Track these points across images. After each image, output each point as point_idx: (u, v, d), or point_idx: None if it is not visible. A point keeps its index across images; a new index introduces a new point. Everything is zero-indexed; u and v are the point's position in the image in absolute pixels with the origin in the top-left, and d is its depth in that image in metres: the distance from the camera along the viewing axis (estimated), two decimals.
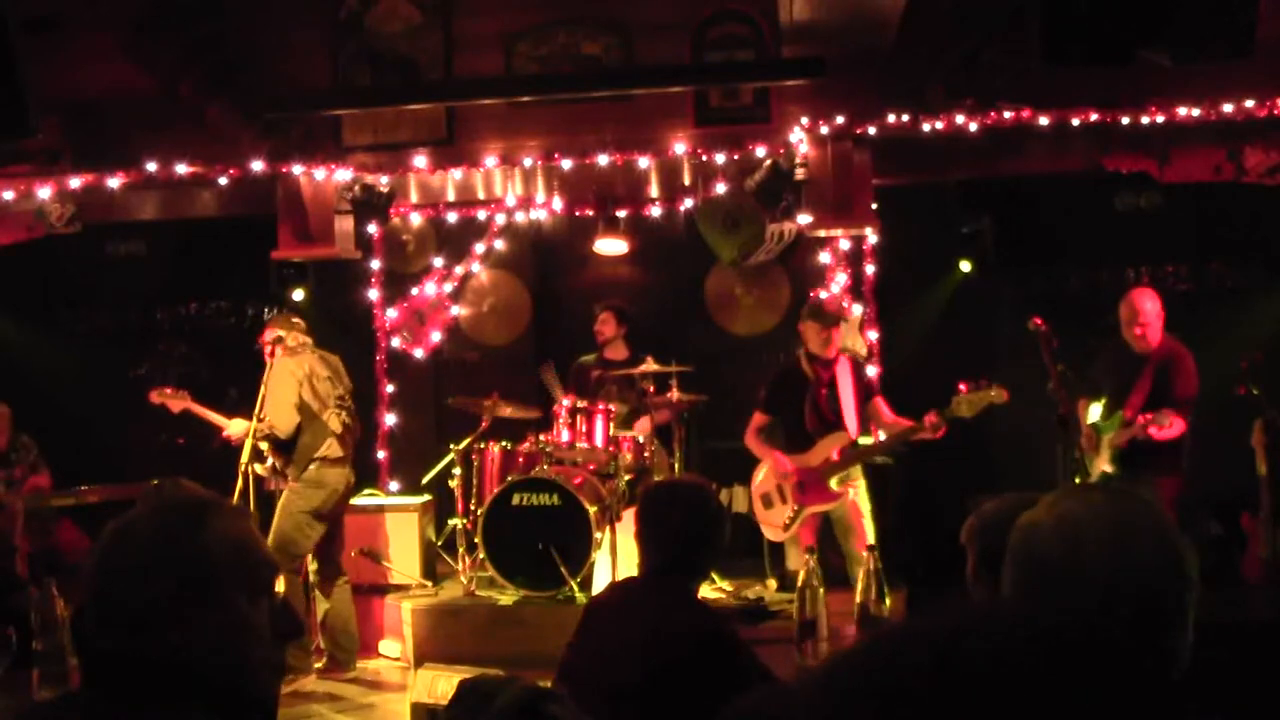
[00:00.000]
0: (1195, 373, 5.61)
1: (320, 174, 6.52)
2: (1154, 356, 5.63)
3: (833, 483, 5.81)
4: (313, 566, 5.92)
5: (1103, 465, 5.61)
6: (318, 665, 5.83)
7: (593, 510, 5.98)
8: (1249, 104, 5.98)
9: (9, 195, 6.68)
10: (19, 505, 6.43)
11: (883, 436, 6.02)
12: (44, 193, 6.65)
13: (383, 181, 6.68)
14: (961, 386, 5.52)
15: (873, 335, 6.95)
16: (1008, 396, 5.51)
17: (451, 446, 6.50)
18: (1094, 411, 5.78)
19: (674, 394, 6.40)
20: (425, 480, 7.01)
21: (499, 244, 7.53)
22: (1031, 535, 1.55)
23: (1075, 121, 6.07)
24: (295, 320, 5.91)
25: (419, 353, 7.56)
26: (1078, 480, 5.45)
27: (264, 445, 5.62)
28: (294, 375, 5.67)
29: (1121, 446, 5.55)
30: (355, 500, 6.83)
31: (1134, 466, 5.51)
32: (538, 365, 7.66)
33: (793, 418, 5.98)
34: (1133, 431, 5.48)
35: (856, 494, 5.87)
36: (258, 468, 5.64)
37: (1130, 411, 5.56)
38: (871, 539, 5.68)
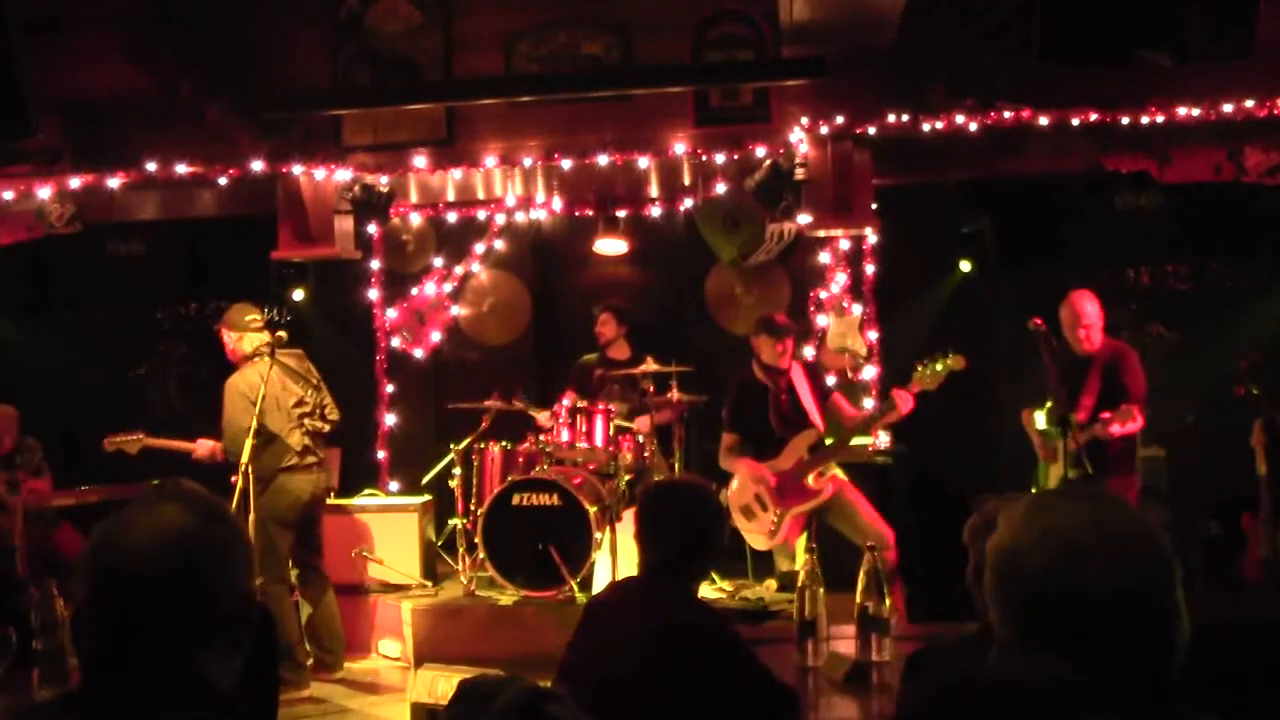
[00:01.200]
0: (1142, 369, 5.60)
1: (320, 174, 6.52)
2: (1098, 358, 5.61)
3: (810, 480, 5.81)
4: (293, 573, 5.80)
5: (1062, 470, 5.54)
6: (309, 661, 5.80)
7: (593, 510, 5.98)
8: (1249, 104, 5.97)
9: (9, 195, 6.67)
10: (18, 505, 6.43)
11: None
12: (44, 193, 6.65)
13: (383, 181, 6.68)
14: (916, 364, 5.57)
15: (873, 335, 6.95)
16: (965, 363, 5.53)
17: (451, 446, 6.51)
18: (1039, 419, 5.75)
19: (674, 394, 6.41)
20: (425, 480, 7.01)
21: (499, 244, 7.53)
22: (1019, 561, 1.50)
23: (1075, 121, 6.07)
24: (251, 318, 5.73)
25: (419, 353, 7.56)
26: (1034, 489, 5.44)
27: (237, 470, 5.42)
28: (246, 396, 5.49)
29: (1078, 449, 5.48)
30: (355, 500, 6.84)
31: (1093, 468, 5.46)
32: (537, 367, 7.67)
33: (758, 427, 6.01)
34: (1093, 432, 5.43)
35: (837, 481, 5.87)
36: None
37: (1083, 414, 5.50)
38: (870, 508, 5.71)
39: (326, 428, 5.88)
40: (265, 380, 5.49)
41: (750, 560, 6.32)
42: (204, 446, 5.79)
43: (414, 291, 7.53)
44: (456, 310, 7.73)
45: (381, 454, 7.47)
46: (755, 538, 6.03)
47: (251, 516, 5.37)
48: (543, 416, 6.56)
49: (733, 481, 6.05)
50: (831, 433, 5.97)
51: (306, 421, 5.75)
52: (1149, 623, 1.44)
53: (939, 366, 5.53)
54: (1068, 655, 1.42)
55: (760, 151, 6.36)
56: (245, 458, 5.37)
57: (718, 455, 6.22)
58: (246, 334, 5.72)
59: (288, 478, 5.64)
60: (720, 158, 6.52)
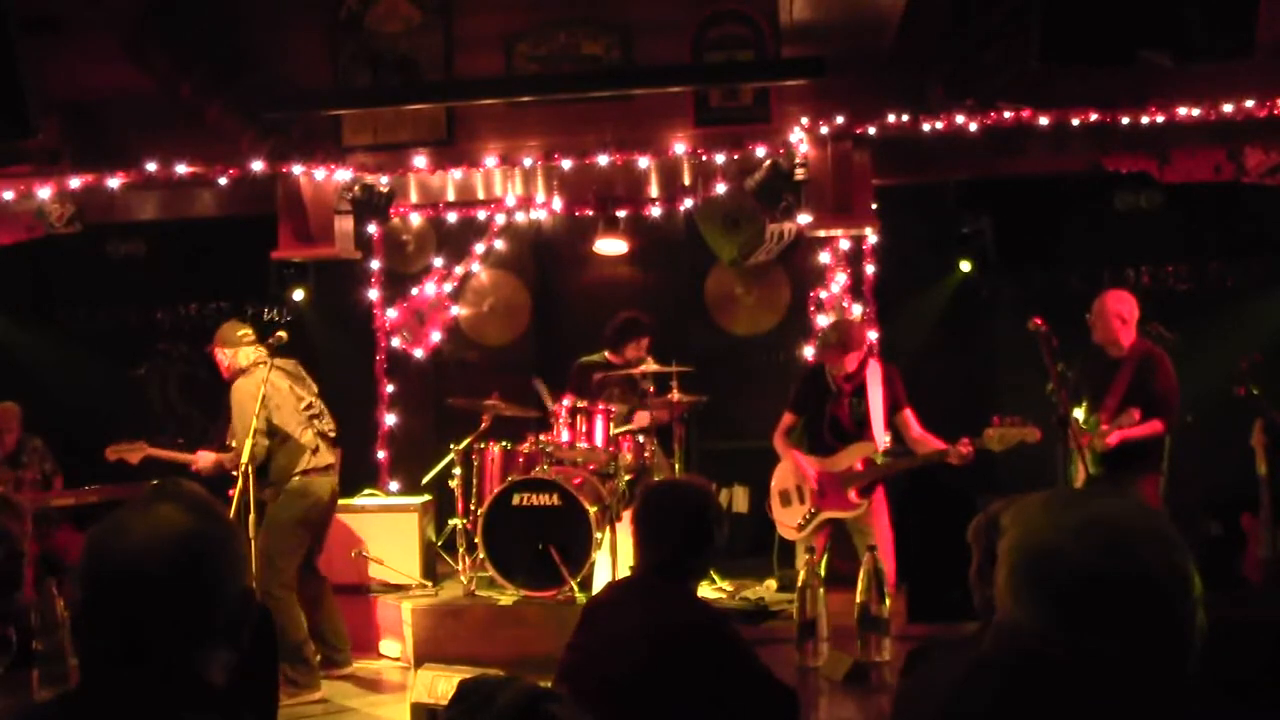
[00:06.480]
0: (1172, 372, 5.51)
1: (320, 174, 6.52)
2: (1127, 359, 5.55)
3: (852, 493, 5.71)
4: None
5: (1086, 469, 5.50)
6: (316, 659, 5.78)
7: (593, 510, 5.98)
8: (1249, 104, 5.97)
9: (9, 195, 6.67)
10: (26, 506, 6.42)
11: (887, 445, 5.84)
12: (44, 193, 6.65)
13: (383, 181, 6.68)
14: (994, 419, 5.40)
15: (873, 335, 6.95)
16: (1040, 436, 5.38)
17: (451, 446, 6.51)
18: (1078, 415, 5.69)
19: (674, 394, 6.40)
20: (425, 480, 7.01)
21: (499, 244, 7.53)
22: (1052, 557, 1.51)
23: (1075, 121, 6.06)
24: (243, 333, 5.72)
25: (419, 353, 7.56)
26: (1069, 484, 5.42)
27: (236, 473, 5.39)
28: (253, 398, 5.45)
29: (1106, 450, 5.37)
30: (355, 500, 6.84)
31: (1115, 468, 5.40)
32: (537, 367, 7.65)
33: (815, 421, 5.91)
34: (1093, 442, 5.35)
35: (876, 504, 5.77)
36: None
37: (1106, 415, 5.48)
38: (889, 547, 5.62)
39: (332, 434, 5.89)
40: (266, 381, 5.49)
41: (776, 555, 6.26)
42: (206, 459, 5.76)
43: (414, 291, 7.53)
44: (456, 310, 7.73)
45: (381, 454, 7.47)
46: (784, 527, 5.97)
47: (251, 517, 5.37)
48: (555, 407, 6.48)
49: (780, 465, 5.97)
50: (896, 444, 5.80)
51: (316, 423, 5.76)
52: (1177, 611, 1.47)
53: (1015, 435, 5.35)
54: (1109, 641, 1.45)
55: (760, 151, 6.36)
56: (245, 456, 5.35)
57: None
58: (240, 348, 5.69)
59: (307, 481, 5.63)
60: (720, 158, 6.52)
